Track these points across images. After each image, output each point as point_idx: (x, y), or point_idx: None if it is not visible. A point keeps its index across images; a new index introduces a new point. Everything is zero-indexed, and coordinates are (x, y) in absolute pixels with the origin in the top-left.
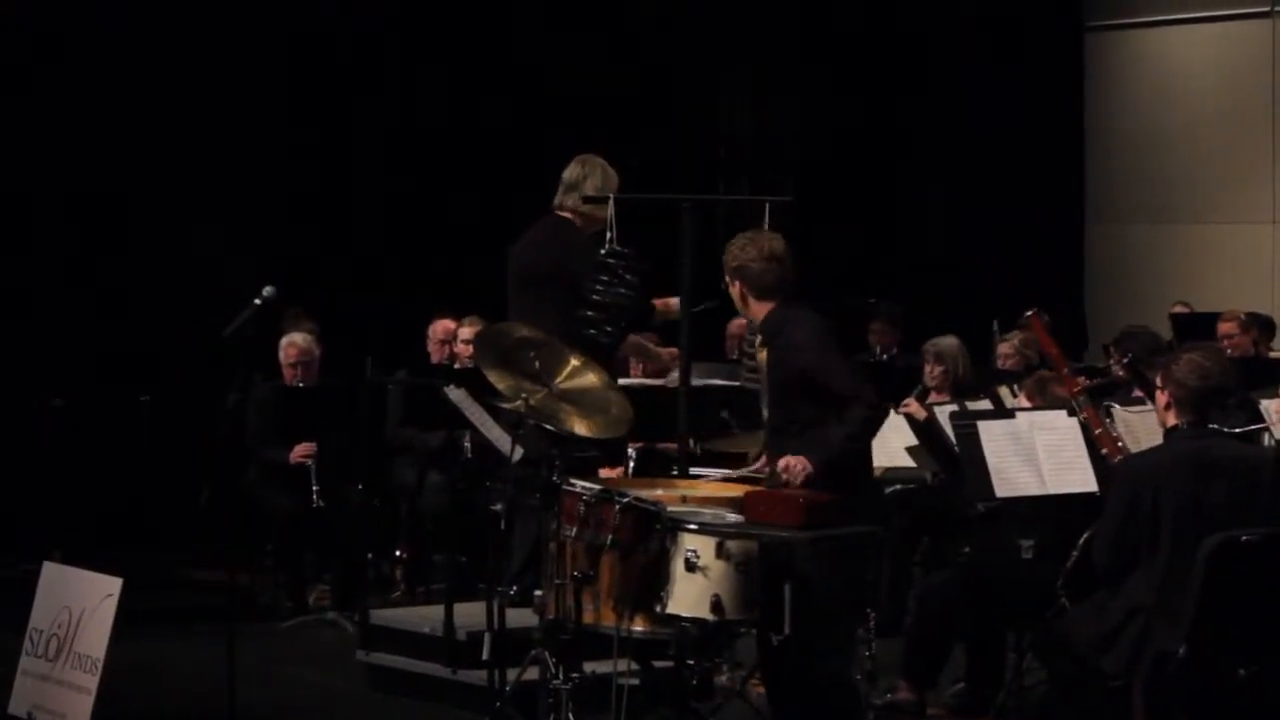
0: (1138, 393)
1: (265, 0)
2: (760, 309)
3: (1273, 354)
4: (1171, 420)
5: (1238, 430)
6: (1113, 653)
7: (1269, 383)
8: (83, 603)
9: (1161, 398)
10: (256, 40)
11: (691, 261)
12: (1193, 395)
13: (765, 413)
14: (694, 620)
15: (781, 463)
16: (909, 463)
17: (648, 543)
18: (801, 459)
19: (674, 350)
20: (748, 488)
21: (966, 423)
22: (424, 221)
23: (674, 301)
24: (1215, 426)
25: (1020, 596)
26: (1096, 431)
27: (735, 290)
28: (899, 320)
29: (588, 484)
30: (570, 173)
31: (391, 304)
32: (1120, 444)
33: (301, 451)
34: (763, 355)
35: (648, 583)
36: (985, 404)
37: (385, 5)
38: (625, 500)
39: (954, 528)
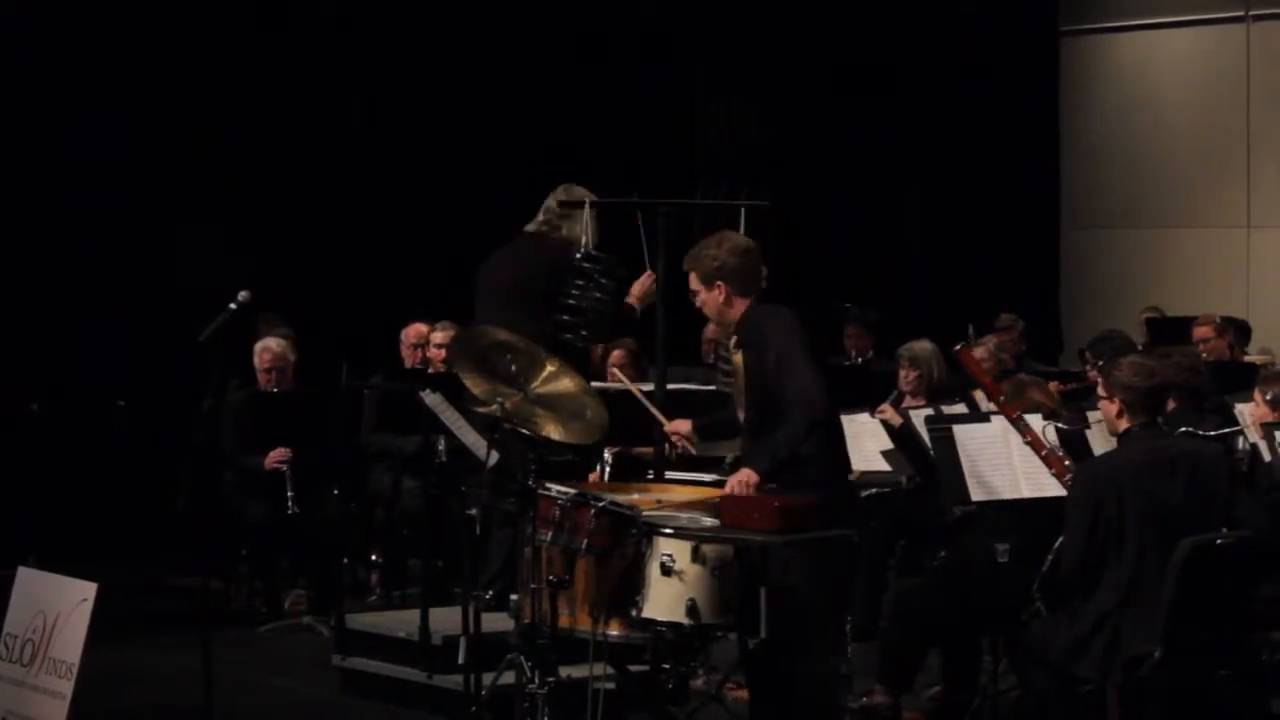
0: None
1: (237, 7)
2: (740, 307)
3: (1247, 358)
4: (1124, 425)
5: (1212, 434)
6: (1087, 658)
7: (1243, 387)
8: (57, 607)
9: (1111, 406)
10: (231, 48)
11: (667, 266)
12: (1143, 396)
13: (742, 416)
14: (670, 624)
15: (729, 486)
16: (884, 467)
17: (623, 547)
18: (746, 473)
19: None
20: (723, 492)
21: (942, 427)
22: (398, 226)
23: (638, 289)
24: (1188, 429)
25: (996, 600)
26: (1042, 453)
27: (718, 294)
28: (873, 325)
29: (563, 488)
30: (555, 200)
31: (366, 309)
32: (1067, 464)
33: (276, 457)
34: (739, 358)
35: (624, 587)
36: (961, 408)
37: (362, 11)
38: (601, 505)
39: (929, 532)
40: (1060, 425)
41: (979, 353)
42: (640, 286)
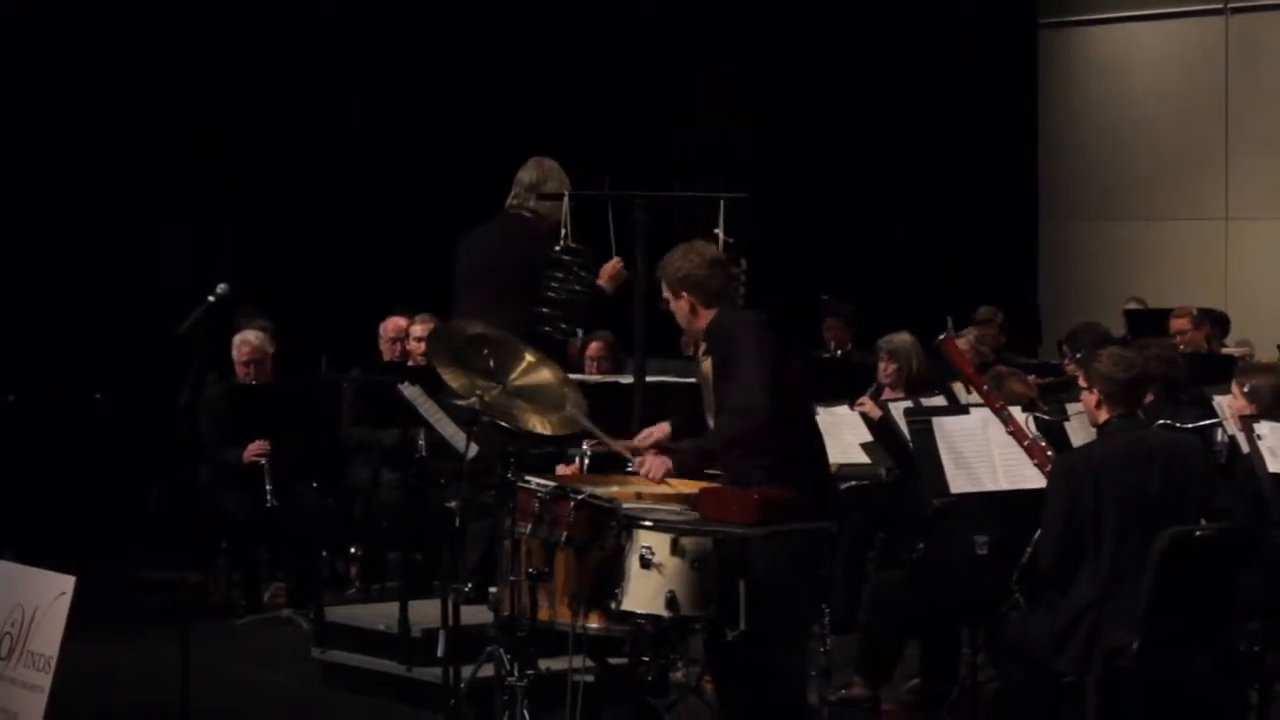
0: None
1: (219, 2)
2: (706, 315)
3: (1225, 350)
4: (1103, 416)
5: (1190, 426)
6: (1066, 651)
7: (1221, 379)
8: (35, 601)
9: (1091, 397)
10: (210, 41)
11: (646, 258)
12: (1121, 387)
13: (710, 422)
14: (649, 617)
15: (641, 463)
16: (864, 459)
17: (603, 540)
18: (662, 460)
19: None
20: (703, 484)
21: (921, 419)
22: (378, 219)
23: (608, 269)
24: (1166, 422)
25: (975, 592)
26: (1024, 444)
27: (683, 303)
28: (852, 317)
29: (542, 481)
30: (527, 174)
31: (346, 301)
32: (1050, 454)
33: (255, 450)
34: (707, 365)
35: (603, 580)
36: (940, 400)
37: (339, 5)
38: (580, 497)
39: (909, 524)
40: (1041, 415)
41: (959, 344)
42: (611, 268)
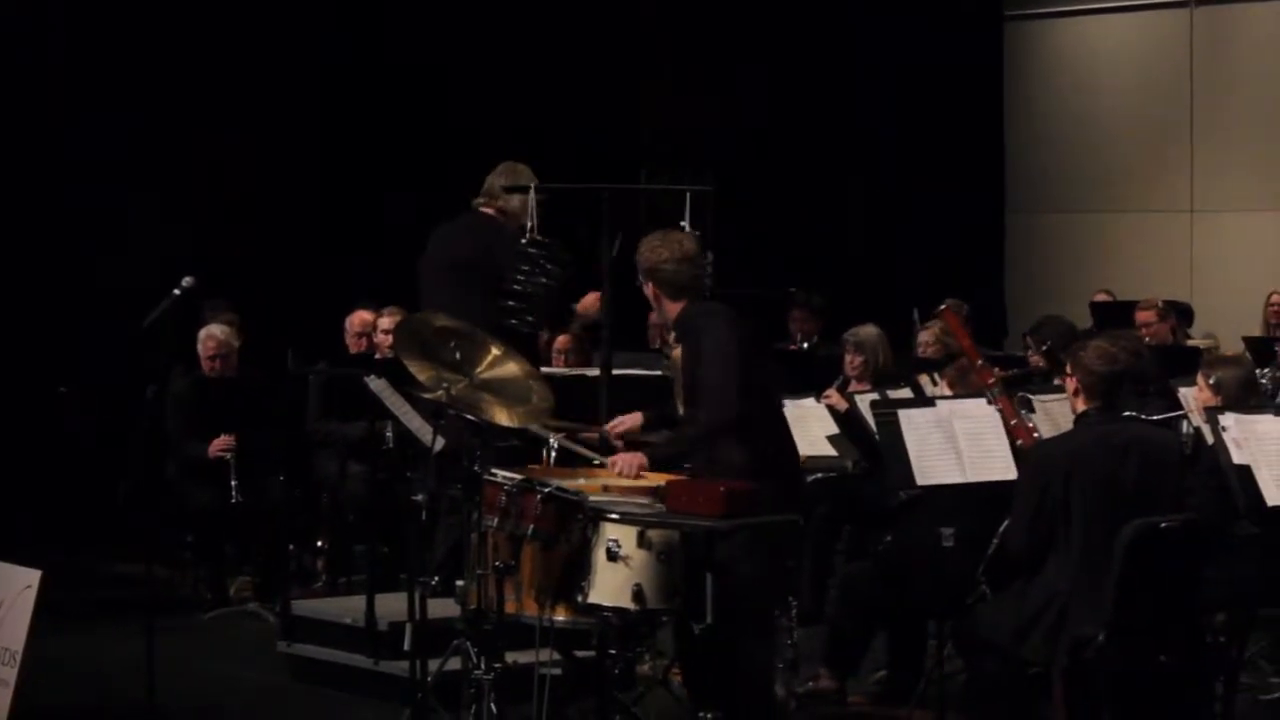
0: (1058, 380)
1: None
2: (674, 308)
3: (1191, 342)
4: (1081, 406)
5: (1156, 418)
6: (1032, 641)
7: (1187, 370)
8: (1, 595)
9: (1070, 384)
10: (180, 34)
11: (611, 251)
12: (1101, 381)
13: (680, 409)
14: (616, 610)
15: (613, 461)
16: (830, 452)
17: (569, 533)
18: (639, 456)
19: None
20: (669, 477)
21: (887, 411)
22: (344, 213)
23: (589, 300)
24: (1131, 414)
25: (941, 585)
26: (1011, 423)
27: (649, 290)
28: (819, 309)
29: (509, 474)
30: (496, 179)
31: (311, 295)
32: (1036, 434)
33: (220, 445)
34: (677, 353)
35: (569, 573)
36: (906, 392)
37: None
38: (547, 490)
39: (875, 517)
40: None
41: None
42: (590, 301)
